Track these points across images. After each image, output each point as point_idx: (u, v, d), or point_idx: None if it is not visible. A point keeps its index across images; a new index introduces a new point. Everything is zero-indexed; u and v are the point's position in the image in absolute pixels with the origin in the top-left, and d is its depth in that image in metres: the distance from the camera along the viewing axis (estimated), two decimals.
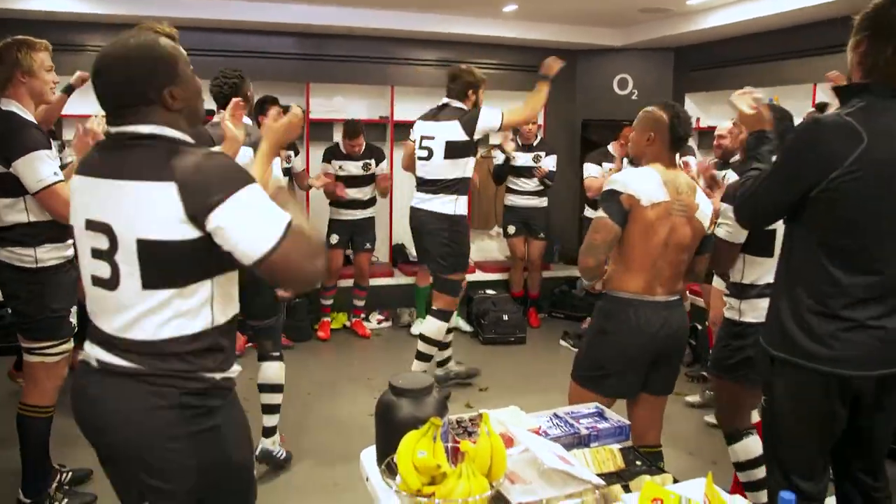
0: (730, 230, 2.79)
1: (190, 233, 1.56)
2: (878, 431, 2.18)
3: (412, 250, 6.52)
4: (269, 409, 3.61)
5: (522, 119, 4.73)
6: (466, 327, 6.17)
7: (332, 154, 5.88)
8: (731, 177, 4.30)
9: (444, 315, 4.55)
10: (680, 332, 2.84)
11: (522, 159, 6.11)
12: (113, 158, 1.64)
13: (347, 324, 6.24)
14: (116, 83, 1.63)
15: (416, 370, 4.53)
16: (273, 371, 3.55)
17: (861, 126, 1.92)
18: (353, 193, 5.85)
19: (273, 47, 6.27)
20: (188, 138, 1.68)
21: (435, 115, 4.54)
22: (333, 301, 6.06)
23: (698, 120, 6.63)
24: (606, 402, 2.63)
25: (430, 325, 4.57)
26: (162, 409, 1.60)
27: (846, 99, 2.04)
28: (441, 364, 4.89)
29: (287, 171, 5.46)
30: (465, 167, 4.48)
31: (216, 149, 1.99)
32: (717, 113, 6.57)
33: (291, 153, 5.63)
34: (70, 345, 3.02)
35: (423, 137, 4.52)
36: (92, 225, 1.64)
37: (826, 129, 1.99)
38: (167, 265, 1.59)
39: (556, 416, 2.29)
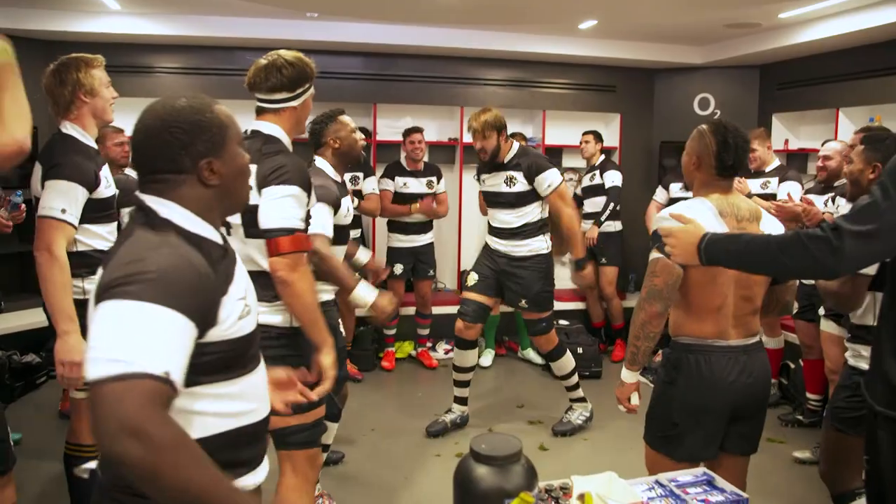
0: None
1: None
2: None
3: None
4: None
5: None
6: (537, 359, 5.85)
7: (394, 170, 5.64)
8: (840, 204, 3.93)
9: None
10: (762, 381, 2.46)
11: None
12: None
13: (413, 353, 6.00)
14: (150, 144, 1.43)
15: (576, 396, 4.59)
16: None
17: None
18: (414, 215, 5.58)
19: (339, 67, 6.12)
20: (202, 227, 1.45)
21: None
22: (397, 329, 5.83)
23: (787, 142, 6.22)
24: (684, 468, 2.33)
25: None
26: None
27: None
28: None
29: (357, 193, 5.27)
30: None
31: None
32: (808, 134, 6.15)
33: (360, 175, 5.43)
34: None
35: None
36: None
37: None
38: None
39: (658, 483, 1.99)
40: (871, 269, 2.43)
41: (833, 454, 2.80)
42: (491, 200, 4.41)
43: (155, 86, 5.84)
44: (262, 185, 2.33)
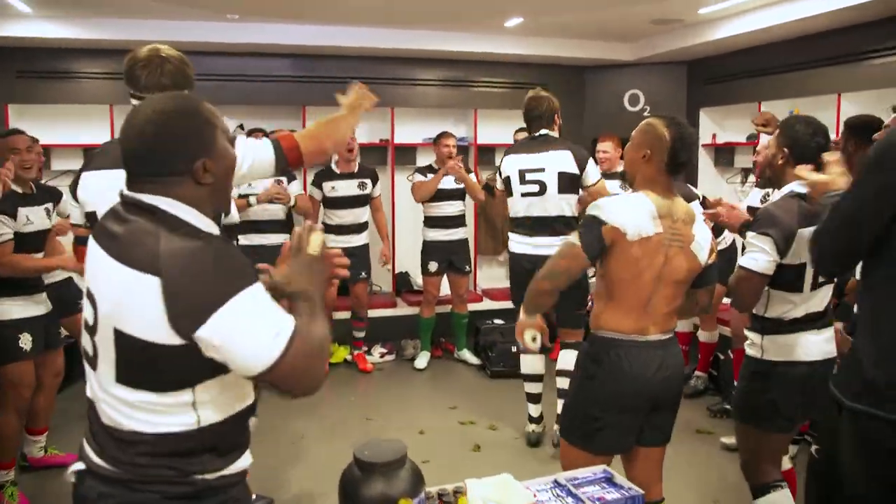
0: (756, 259, 2.47)
1: (172, 338, 1.33)
2: None
3: (417, 279, 6.22)
4: None
5: None
6: (473, 360, 5.82)
7: (323, 176, 5.52)
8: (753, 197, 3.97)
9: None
10: (677, 374, 2.51)
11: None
12: (113, 228, 1.43)
13: (348, 358, 5.91)
14: (144, 146, 1.41)
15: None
16: None
17: None
18: (346, 217, 5.49)
19: (268, 70, 6.04)
20: (204, 223, 1.45)
21: (538, 146, 4.12)
22: (331, 333, 5.73)
23: (714, 136, 6.32)
24: (601, 461, 2.33)
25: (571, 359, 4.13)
26: None
27: None
28: (537, 420, 4.31)
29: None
30: (572, 204, 4.12)
31: None
32: (734, 128, 6.25)
33: (284, 179, 5.30)
34: None
35: (526, 171, 4.09)
36: (88, 294, 1.47)
37: None
38: (143, 365, 1.38)
39: (556, 483, 1.96)
40: (771, 269, 2.48)
41: (746, 446, 2.81)
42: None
43: (76, 91, 5.70)
44: None
